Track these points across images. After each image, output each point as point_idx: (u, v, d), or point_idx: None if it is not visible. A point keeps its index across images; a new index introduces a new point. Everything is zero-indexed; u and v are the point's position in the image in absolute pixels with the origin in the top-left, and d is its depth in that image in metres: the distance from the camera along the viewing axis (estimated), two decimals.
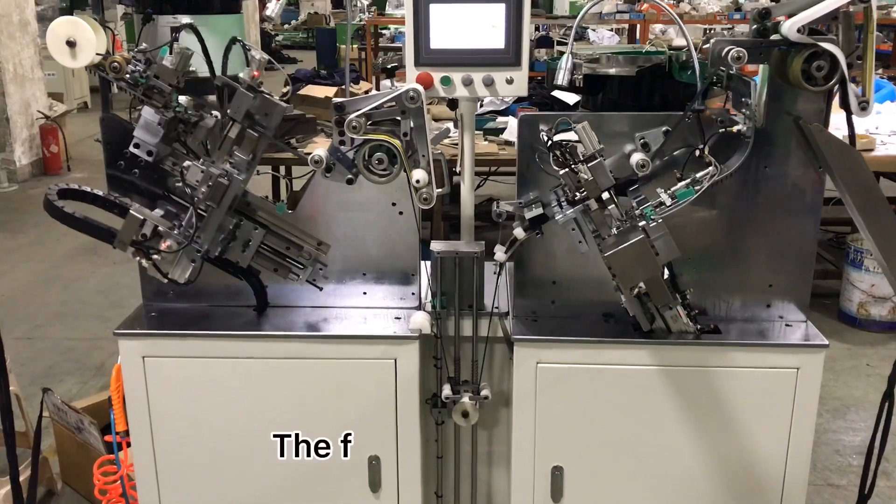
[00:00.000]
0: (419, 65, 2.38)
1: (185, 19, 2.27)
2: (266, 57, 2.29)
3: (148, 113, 2.28)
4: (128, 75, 2.21)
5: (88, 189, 2.40)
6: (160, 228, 2.30)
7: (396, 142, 2.26)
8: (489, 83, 2.37)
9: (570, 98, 5.84)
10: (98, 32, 2.22)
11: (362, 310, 2.53)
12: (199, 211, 2.32)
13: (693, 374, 2.33)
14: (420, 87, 2.24)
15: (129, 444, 2.53)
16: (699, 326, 2.34)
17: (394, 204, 2.45)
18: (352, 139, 2.29)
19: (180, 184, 2.33)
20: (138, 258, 2.34)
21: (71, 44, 2.19)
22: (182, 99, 2.39)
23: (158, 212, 2.37)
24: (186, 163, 2.29)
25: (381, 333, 2.40)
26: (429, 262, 2.49)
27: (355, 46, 12.23)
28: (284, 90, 6.39)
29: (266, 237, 2.43)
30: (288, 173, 5.97)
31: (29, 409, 3.69)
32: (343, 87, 6.06)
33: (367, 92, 6.29)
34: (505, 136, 5.40)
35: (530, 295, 2.46)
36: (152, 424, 2.45)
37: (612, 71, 2.39)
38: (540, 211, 2.29)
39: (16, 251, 6.80)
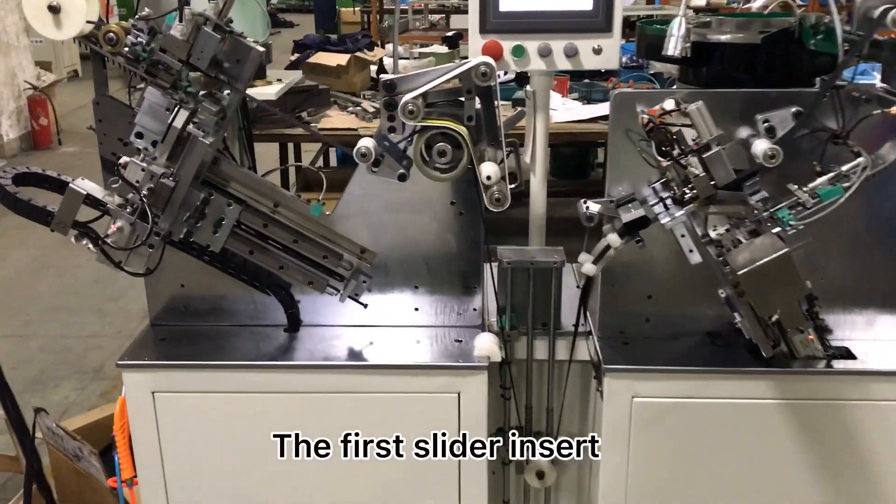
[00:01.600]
0: (486, 32, 1.95)
1: None
2: None
3: (153, 94, 1.84)
4: (127, 48, 1.76)
5: (54, 174, 1.96)
6: (109, 206, 1.87)
7: (463, 129, 1.82)
8: (572, 54, 1.94)
9: None
10: None
11: (414, 330, 2.10)
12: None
13: (822, 408, 1.93)
14: (492, 61, 1.80)
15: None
16: (830, 351, 1.92)
17: (453, 203, 2.02)
18: (403, 125, 1.86)
19: None
20: (84, 243, 1.91)
21: (54, 9, 1.74)
22: (192, 76, 1.95)
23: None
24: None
25: (441, 363, 1.97)
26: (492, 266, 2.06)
27: (358, 9, 11.68)
28: (292, 58, 5.91)
29: (299, 244, 2.01)
30: (297, 153, 5.49)
31: None
32: (356, 53, 5.57)
33: (380, 59, 5.83)
34: None
35: (619, 311, 2.04)
36: (164, 470, 2.06)
37: (726, 38, 1.94)
38: (640, 213, 1.85)
39: (2, 236, 6.27)
